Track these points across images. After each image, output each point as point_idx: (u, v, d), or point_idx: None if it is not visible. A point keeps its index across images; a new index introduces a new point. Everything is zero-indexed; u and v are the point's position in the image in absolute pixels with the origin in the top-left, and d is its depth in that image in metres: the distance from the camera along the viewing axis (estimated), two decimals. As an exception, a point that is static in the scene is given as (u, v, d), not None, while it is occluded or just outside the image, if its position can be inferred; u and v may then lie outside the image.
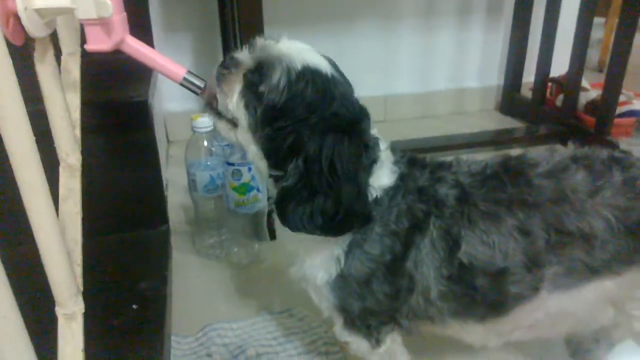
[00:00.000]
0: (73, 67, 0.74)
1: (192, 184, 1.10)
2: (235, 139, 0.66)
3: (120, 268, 0.85)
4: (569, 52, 1.71)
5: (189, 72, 0.63)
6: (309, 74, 0.60)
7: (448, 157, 0.74)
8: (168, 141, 1.81)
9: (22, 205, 0.50)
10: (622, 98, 1.67)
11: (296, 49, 0.62)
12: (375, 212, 0.64)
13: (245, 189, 1.04)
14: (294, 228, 0.61)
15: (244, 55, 0.63)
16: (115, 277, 0.85)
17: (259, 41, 0.64)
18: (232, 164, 1.02)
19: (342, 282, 0.66)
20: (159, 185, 0.89)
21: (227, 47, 1.63)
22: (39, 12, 0.56)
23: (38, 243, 0.53)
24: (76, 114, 0.71)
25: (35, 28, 0.56)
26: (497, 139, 1.75)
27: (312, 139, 0.59)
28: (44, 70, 0.61)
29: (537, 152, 0.71)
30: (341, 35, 1.86)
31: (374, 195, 0.64)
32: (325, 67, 0.62)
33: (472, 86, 2.08)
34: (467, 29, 1.99)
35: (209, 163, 1.07)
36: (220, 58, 1.67)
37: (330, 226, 0.60)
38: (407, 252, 0.64)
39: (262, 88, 0.60)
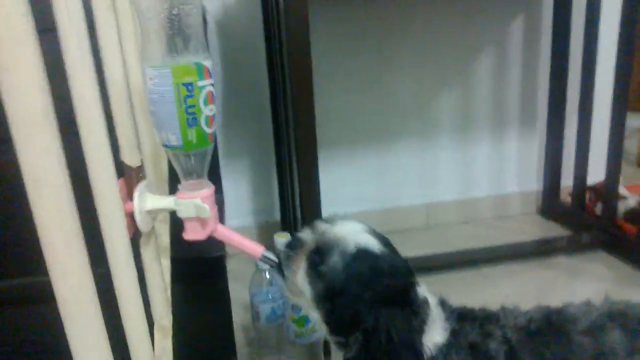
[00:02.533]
0: (163, 233, 0.87)
1: (255, 315, 1.20)
2: (301, 304, 0.76)
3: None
4: (605, 153, 1.78)
5: (265, 250, 0.75)
6: (362, 255, 0.70)
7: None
8: (227, 255, 1.93)
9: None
10: (661, 206, 1.72)
11: (349, 231, 0.73)
12: (431, 370, 0.72)
13: (304, 321, 1.13)
14: None
15: (306, 237, 0.75)
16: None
17: (319, 225, 0.75)
18: (293, 298, 1.12)
19: None
20: (229, 327, 0.99)
21: (281, 171, 1.78)
22: (149, 212, 0.69)
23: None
24: (167, 277, 0.83)
25: (144, 225, 0.69)
26: (541, 249, 1.81)
27: (368, 313, 0.68)
28: (147, 251, 0.74)
29: (576, 306, 0.78)
30: (383, 152, 2.02)
31: (429, 354, 0.72)
32: (374, 245, 0.72)
33: (512, 191, 2.16)
34: (502, 139, 2.10)
35: (270, 296, 1.17)
36: (274, 180, 1.86)
37: None
38: (463, 407, 0.71)
39: (322, 268, 0.70)
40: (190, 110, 0.61)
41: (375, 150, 2.00)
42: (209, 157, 0.68)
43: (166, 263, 0.84)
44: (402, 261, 0.75)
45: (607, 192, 1.79)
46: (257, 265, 1.17)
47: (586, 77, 1.84)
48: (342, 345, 0.73)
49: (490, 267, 1.72)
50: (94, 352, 0.45)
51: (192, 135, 0.63)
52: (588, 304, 0.79)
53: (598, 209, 1.88)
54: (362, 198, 2.02)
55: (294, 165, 1.40)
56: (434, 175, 2.09)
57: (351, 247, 0.71)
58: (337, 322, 0.72)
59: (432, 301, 0.76)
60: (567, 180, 2.03)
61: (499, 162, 2.12)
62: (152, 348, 0.63)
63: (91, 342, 0.44)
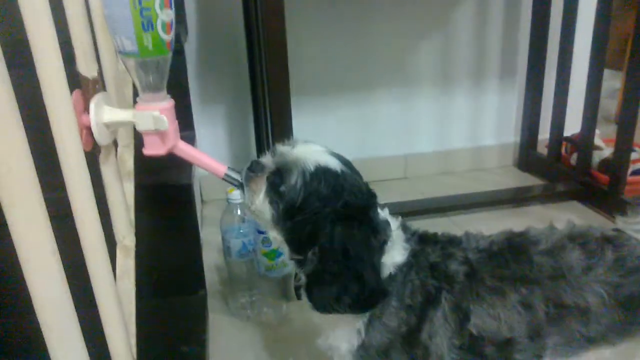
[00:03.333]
0: (128, 157, 0.86)
1: (226, 250, 1.19)
2: (263, 225, 0.76)
3: (163, 332, 0.94)
4: (583, 108, 1.79)
5: (229, 168, 0.74)
6: (321, 173, 0.70)
7: (458, 233, 0.82)
8: (202, 201, 1.92)
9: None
10: (635, 156, 1.73)
11: (309, 152, 0.72)
12: (390, 287, 0.72)
13: (274, 254, 1.13)
14: (324, 310, 0.70)
15: (267, 160, 0.74)
16: (158, 341, 0.93)
17: (279, 147, 0.74)
18: (262, 232, 1.12)
19: (363, 352, 0.74)
20: (198, 256, 0.99)
21: (257, 117, 1.76)
22: (107, 125, 0.67)
23: (101, 316, 0.62)
24: (131, 200, 0.82)
25: (102, 138, 0.67)
26: (516, 198, 1.82)
27: (326, 228, 0.68)
28: (107, 168, 0.72)
29: (539, 230, 0.79)
30: (363, 102, 2.00)
31: (389, 272, 0.73)
32: (334, 165, 0.71)
33: (490, 144, 2.17)
34: (482, 91, 2.09)
35: (241, 230, 1.17)
36: (251, 126, 1.84)
37: (359, 304, 0.69)
38: (421, 324, 0.72)
39: (282, 188, 0.70)
40: (145, 13, 0.59)
41: (353, 100, 1.98)
42: (167, 68, 0.65)
43: (129, 186, 0.83)
44: (363, 182, 0.75)
45: (583, 142, 1.80)
46: (228, 201, 1.16)
47: (566, 30, 1.83)
48: (301, 263, 0.73)
49: (462, 215, 1.74)
50: (46, 272, 0.43)
51: (147, 40, 0.60)
52: (551, 227, 0.80)
53: (573, 159, 1.89)
54: (340, 148, 1.99)
55: (268, 108, 1.38)
56: (412, 126, 2.08)
57: (310, 166, 0.70)
58: (297, 240, 0.72)
59: (394, 223, 0.76)
60: (544, 134, 2.04)
61: (477, 115, 2.12)
62: (110, 267, 0.62)
63: (43, 263, 0.43)
